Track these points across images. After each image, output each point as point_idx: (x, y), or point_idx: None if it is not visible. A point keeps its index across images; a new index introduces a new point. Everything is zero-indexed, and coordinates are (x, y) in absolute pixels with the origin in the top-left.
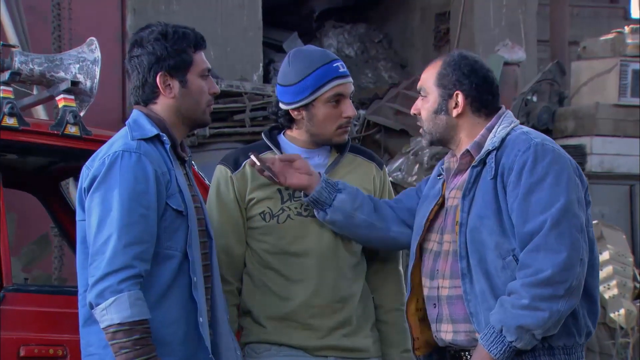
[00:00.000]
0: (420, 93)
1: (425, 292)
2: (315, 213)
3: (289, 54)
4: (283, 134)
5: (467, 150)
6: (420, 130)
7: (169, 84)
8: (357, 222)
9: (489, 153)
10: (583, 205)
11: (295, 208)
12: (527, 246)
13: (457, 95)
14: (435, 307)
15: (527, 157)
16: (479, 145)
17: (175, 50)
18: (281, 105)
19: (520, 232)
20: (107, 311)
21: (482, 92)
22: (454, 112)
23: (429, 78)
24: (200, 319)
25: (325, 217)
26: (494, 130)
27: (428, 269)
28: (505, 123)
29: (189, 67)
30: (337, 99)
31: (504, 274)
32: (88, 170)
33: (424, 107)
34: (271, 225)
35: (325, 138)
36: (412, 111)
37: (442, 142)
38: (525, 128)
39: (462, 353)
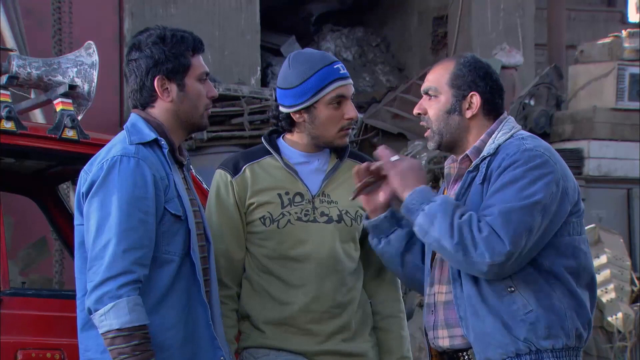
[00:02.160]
0: (427, 93)
1: (425, 300)
2: (370, 239)
3: (289, 56)
4: (282, 137)
5: (466, 155)
6: (427, 133)
7: (167, 88)
8: (406, 262)
9: (483, 159)
10: (548, 214)
11: (296, 213)
12: (487, 216)
13: (472, 96)
14: (432, 313)
15: (511, 161)
16: (478, 150)
17: (173, 54)
18: (282, 109)
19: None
20: (106, 316)
21: (495, 96)
22: (468, 113)
23: (440, 78)
24: (210, 321)
25: (378, 245)
26: (493, 135)
27: (429, 277)
28: (506, 129)
29: (187, 70)
30: (339, 100)
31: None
32: (86, 174)
33: (433, 106)
34: (271, 230)
35: (327, 141)
36: (417, 111)
37: (451, 144)
38: (525, 134)
39: (460, 353)
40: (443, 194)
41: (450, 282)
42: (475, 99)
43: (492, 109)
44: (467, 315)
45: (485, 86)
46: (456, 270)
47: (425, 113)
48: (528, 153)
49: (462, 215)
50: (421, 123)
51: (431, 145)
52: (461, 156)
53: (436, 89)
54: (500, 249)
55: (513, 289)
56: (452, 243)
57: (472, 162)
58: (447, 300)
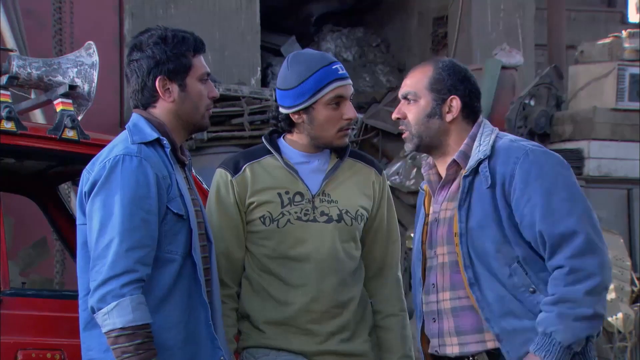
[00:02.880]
0: (406, 97)
1: (423, 308)
2: None
3: (288, 57)
4: (283, 137)
5: (454, 160)
6: (406, 135)
7: (168, 88)
8: None
9: (480, 162)
10: None
11: (296, 212)
12: (571, 250)
13: (452, 100)
14: (435, 321)
15: (529, 164)
16: (465, 154)
17: (174, 54)
18: (281, 110)
19: (551, 233)
20: (109, 315)
21: (473, 99)
22: (448, 117)
23: (419, 82)
24: (210, 321)
25: None
26: (477, 139)
27: (419, 284)
28: (487, 131)
29: (188, 71)
30: (338, 101)
31: (511, 281)
32: (88, 174)
33: (413, 110)
34: (271, 230)
35: (326, 141)
36: (396, 115)
37: (430, 147)
38: (510, 135)
39: (467, 359)
40: (424, 200)
41: (457, 287)
42: (455, 103)
43: (471, 112)
44: (495, 316)
45: (465, 90)
46: (472, 274)
47: (405, 117)
48: (538, 151)
49: (555, 301)
50: (400, 127)
51: (409, 147)
52: (448, 161)
53: (415, 94)
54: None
55: (533, 289)
56: (590, 308)
57: (460, 166)
58: (457, 307)
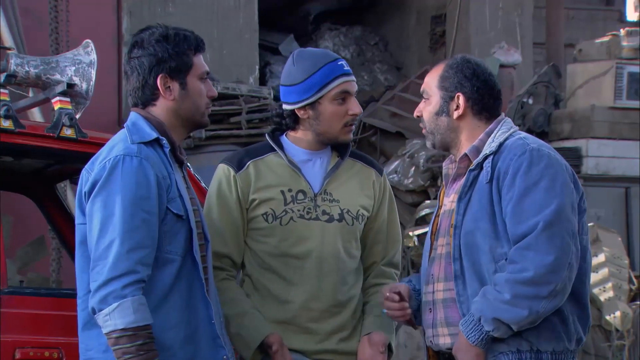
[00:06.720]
0: (422, 96)
1: (422, 298)
2: None
3: (293, 54)
4: (286, 135)
5: (465, 154)
6: (424, 131)
7: (169, 86)
8: None
9: (486, 157)
10: (576, 211)
11: (298, 210)
12: (519, 243)
13: (458, 97)
14: (430, 311)
15: (522, 161)
16: (477, 149)
17: (176, 52)
18: (285, 106)
19: (514, 233)
20: (110, 316)
21: (483, 95)
22: (455, 114)
23: (431, 81)
24: (213, 320)
25: None
26: (492, 135)
27: (424, 275)
28: (504, 128)
29: (189, 69)
30: (343, 96)
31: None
32: (88, 174)
33: (426, 109)
34: (274, 227)
35: (331, 137)
36: (415, 114)
37: (444, 144)
38: (523, 134)
39: None
40: (440, 193)
41: (449, 279)
42: (461, 100)
43: (483, 109)
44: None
45: (472, 86)
46: (458, 267)
47: (422, 115)
48: (536, 153)
49: (495, 286)
50: (420, 125)
51: (428, 144)
52: (460, 156)
53: (427, 92)
54: (547, 260)
55: None
56: (513, 307)
57: (471, 161)
58: (447, 298)
